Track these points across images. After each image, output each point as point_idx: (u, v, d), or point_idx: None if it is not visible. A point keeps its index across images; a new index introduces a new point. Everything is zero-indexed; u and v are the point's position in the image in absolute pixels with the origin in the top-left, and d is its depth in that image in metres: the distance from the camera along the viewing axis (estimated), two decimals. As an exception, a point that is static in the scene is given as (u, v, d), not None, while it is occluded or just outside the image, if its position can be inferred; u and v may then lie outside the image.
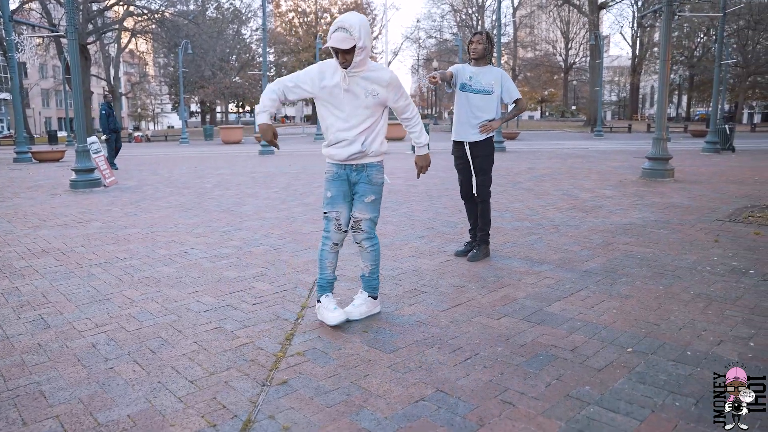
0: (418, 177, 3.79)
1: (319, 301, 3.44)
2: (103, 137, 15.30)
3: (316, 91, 3.26)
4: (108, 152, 15.01)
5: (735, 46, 44.87)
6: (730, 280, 4.09)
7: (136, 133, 41.21)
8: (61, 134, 45.50)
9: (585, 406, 2.37)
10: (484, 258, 4.81)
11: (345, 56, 3.08)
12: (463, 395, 2.49)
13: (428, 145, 3.67)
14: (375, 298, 3.51)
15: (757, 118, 62.43)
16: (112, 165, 14.93)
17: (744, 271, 4.31)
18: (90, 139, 11.09)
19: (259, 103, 3.32)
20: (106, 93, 16.59)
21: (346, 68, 3.12)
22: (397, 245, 5.37)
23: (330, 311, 3.34)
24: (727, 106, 44.64)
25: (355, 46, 3.03)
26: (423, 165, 3.67)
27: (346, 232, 3.40)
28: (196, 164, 16.28)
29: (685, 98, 66.38)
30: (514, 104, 4.77)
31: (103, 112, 15.26)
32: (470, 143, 4.68)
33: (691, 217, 6.53)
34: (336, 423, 2.29)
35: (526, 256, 4.89)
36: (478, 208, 4.81)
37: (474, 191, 4.77)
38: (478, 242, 4.86)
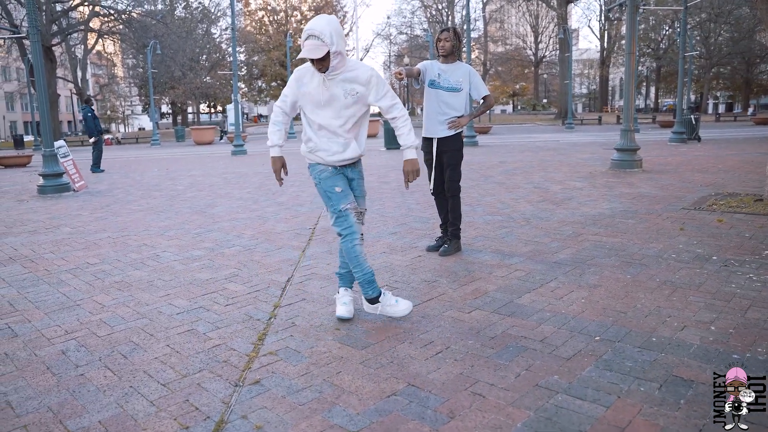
0: (407, 186, 3.48)
1: (378, 301, 3.32)
2: (91, 140, 14.93)
3: (299, 98, 3.27)
4: (94, 156, 14.75)
5: (698, 38, 45.84)
6: (694, 267, 4.20)
7: (106, 136, 40.45)
8: (28, 138, 44.45)
9: (553, 395, 2.43)
10: (456, 252, 4.86)
11: (321, 63, 3.04)
12: (434, 389, 2.52)
13: (416, 148, 3.39)
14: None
15: (721, 108, 63.91)
16: (98, 169, 14.68)
17: (707, 258, 4.43)
18: (58, 143, 10.89)
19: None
20: (88, 96, 16.41)
21: (324, 72, 3.08)
22: (370, 242, 5.39)
23: (396, 305, 3.32)
24: (692, 97, 45.60)
25: (329, 52, 2.99)
26: (408, 171, 3.35)
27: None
28: (167, 166, 16.09)
29: (653, 89, 67.61)
30: (482, 101, 4.82)
31: (89, 114, 14.98)
32: (439, 139, 4.73)
33: (658, 207, 6.68)
34: (308, 420, 2.31)
35: (497, 250, 4.95)
36: (448, 203, 4.86)
37: (432, 187, 4.82)
38: (450, 237, 4.91)
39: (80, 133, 50.14)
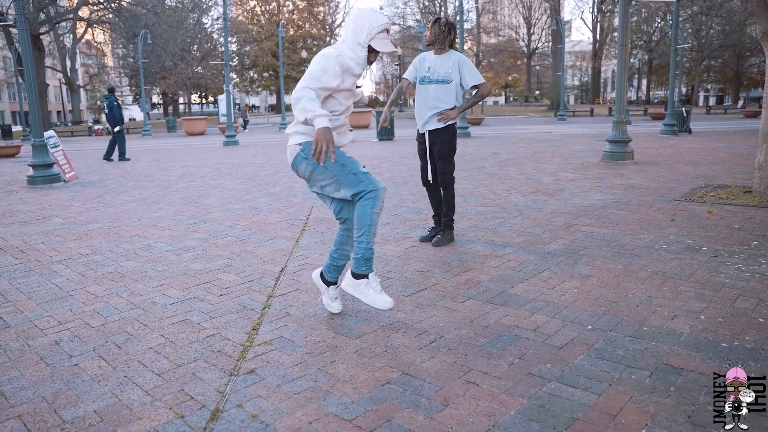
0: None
1: (364, 276, 3.08)
2: (116, 129, 14.77)
3: (337, 87, 3.03)
4: (120, 145, 14.80)
5: (690, 30, 45.95)
6: (685, 258, 4.25)
7: (97, 127, 40.10)
8: (16, 129, 44.01)
9: (546, 383, 2.46)
10: (449, 243, 4.88)
11: (376, 56, 3.13)
12: (428, 377, 2.54)
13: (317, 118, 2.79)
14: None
15: (711, 101, 64.27)
16: (124, 158, 14.83)
17: (697, 249, 4.47)
18: (47, 134, 10.79)
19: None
20: (111, 85, 16.54)
21: (370, 65, 3.15)
22: (364, 233, 5.40)
23: (380, 293, 3.08)
24: (683, 89, 45.77)
25: None
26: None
27: None
28: (159, 156, 16.00)
29: (644, 82, 67.80)
30: (476, 90, 4.76)
31: (115, 103, 15.02)
32: (430, 131, 4.72)
33: (650, 198, 6.72)
34: (303, 409, 2.32)
35: (489, 240, 4.98)
36: (440, 194, 4.87)
37: (431, 178, 4.83)
38: (443, 228, 4.92)
39: (70, 123, 49.75)
